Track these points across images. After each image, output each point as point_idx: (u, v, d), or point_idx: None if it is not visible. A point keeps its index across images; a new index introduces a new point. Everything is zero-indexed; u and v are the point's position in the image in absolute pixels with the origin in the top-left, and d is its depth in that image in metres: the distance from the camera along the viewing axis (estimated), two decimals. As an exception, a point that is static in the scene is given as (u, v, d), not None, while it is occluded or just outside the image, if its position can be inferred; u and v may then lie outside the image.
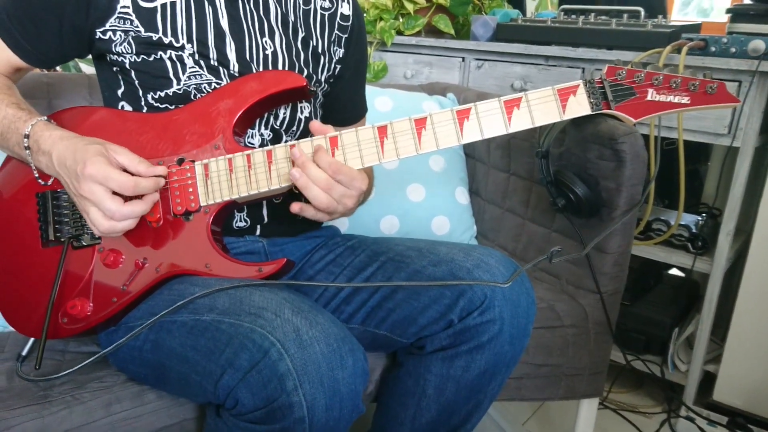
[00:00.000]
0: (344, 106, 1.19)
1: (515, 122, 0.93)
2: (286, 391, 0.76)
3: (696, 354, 1.64)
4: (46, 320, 0.93)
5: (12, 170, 1.02)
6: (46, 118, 0.95)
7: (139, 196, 0.90)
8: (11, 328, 1.05)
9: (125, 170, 0.89)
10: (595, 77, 0.95)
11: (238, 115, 0.95)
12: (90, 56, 1.05)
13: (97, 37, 0.97)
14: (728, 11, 1.59)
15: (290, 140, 0.93)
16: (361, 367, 0.82)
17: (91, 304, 0.96)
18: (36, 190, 0.99)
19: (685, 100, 0.94)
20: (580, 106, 0.94)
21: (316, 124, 0.94)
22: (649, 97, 0.94)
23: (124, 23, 0.96)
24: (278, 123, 1.04)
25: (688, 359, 1.70)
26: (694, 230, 1.64)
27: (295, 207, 0.94)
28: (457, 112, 0.92)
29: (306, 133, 1.08)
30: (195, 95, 0.99)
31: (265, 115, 1.03)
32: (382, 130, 0.92)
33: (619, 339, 1.71)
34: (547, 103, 0.93)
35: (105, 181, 0.86)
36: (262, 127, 1.03)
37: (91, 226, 0.90)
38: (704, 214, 1.71)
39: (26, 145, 0.92)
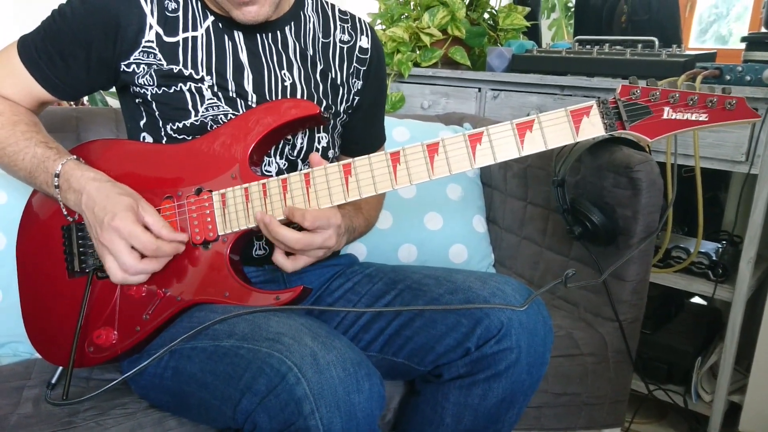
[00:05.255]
0: (362, 137, 1.21)
1: (528, 145, 0.91)
2: (303, 415, 0.76)
3: (720, 384, 1.61)
4: (72, 350, 0.95)
5: (38, 204, 1.06)
6: (75, 156, 0.98)
7: None
8: (38, 356, 1.07)
9: (148, 229, 0.91)
10: (608, 97, 0.93)
11: (254, 144, 0.97)
12: (114, 89, 1.09)
13: (121, 69, 1.01)
14: (743, 39, 1.60)
15: (306, 169, 0.94)
16: (378, 391, 0.83)
17: (116, 333, 0.98)
18: (61, 223, 1.02)
19: (703, 117, 0.90)
20: (593, 127, 0.91)
21: (315, 157, 0.94)
22: (665, 116, 0.91)
23: (148, 57, 1.00)
24: (295, 153, 1.07)
25: (712, 389, 1.67)
26: (714, 258, 1.62)
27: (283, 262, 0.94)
28: (469, 136, 0.91)
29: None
30: (212, 126, 1.01)
31: (281, 144, 1.05)
32: (395, 156, 0.92)
33: (641, 368, 1.69)
34: (560, 124, 0.91)
35: (129, 238, 0.88)
36: (278, 157, 1.06)
37: (108, 272, 0.92)
38: (724, 242, 1.70)
39: (56, 183, 0.95)
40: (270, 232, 0.91)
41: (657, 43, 1.69)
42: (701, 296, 1.91)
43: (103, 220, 0.89)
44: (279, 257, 0.94)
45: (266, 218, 0.91)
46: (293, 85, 1.06)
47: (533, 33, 2.19)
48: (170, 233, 0.93)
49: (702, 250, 1.64)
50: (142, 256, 0.90)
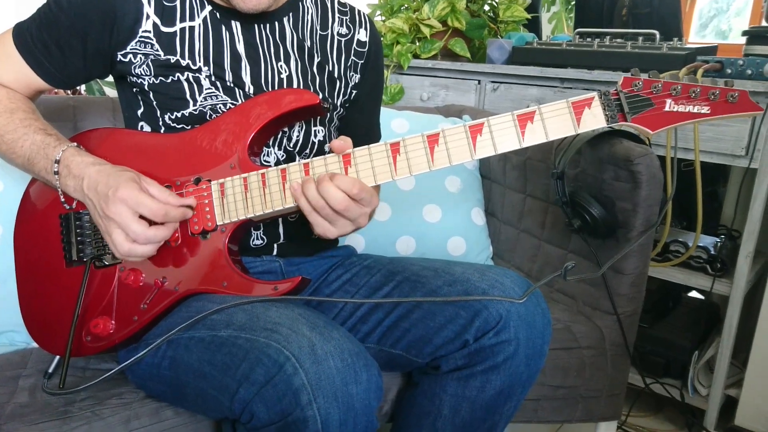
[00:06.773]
0: (358, 131, 1.19)
1: (529, 136, 0.91)
2: (301, 406, 0.76)
3: (717, 378, 1.61)
4: (69, 339, 0.95)
5: (36, 193, 1.05)
6: (75, 144, 0.97)
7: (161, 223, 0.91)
8: (34, 345, 1.07)
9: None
10: (610, 89, 0.92)
11: (253, 134, 0.97)
12: (112, 78, 1.08)
13: (117, 59, 1.00)
14: (744, 33, 1.60)
15: (305, 159, 0.93)
16: (376, 382, 0.82)
17: (114, 323, 0.97)
18: (59, 211, 1.01)
19: (705, 109, 0.90)
20: (595, 118, 0.91)
21: (337, 143, 0.92)
22: (667, 108, 0.90)
23: (145, 47, 0.99)
24: (291, 145, 1.06)
25: (708, 383, 1.67)
26: (712, 252, 1.62)
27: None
28: (470, 126, 0.91)
29: (319, 155, 1.09)
30: (210, 116, 1.01)
31: (279, 135, 1.05)
32: (395, 147, 0.92)
33: (638, 362, 1.69)
34: (561, 116, 0.91)
35: (136, 206, 0.88)
36: (276, 147, 1.05)
37: (112, 248, 0.92)
38: (723, 236, 1.70)
39: (56, 170, 0.95)
40: (319, 186, 0.89)
41: (658, 36, 1.68)
42: (699, 290, 1.92)
43: (108, 194, 0.88)
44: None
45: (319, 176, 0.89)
46: (289, 77, 1.06)
47: (533, 25, 2.18)
48: (177, 199, 0.93)
49: (700, 245, 1.63)
50: (150, 224, 0.90)
